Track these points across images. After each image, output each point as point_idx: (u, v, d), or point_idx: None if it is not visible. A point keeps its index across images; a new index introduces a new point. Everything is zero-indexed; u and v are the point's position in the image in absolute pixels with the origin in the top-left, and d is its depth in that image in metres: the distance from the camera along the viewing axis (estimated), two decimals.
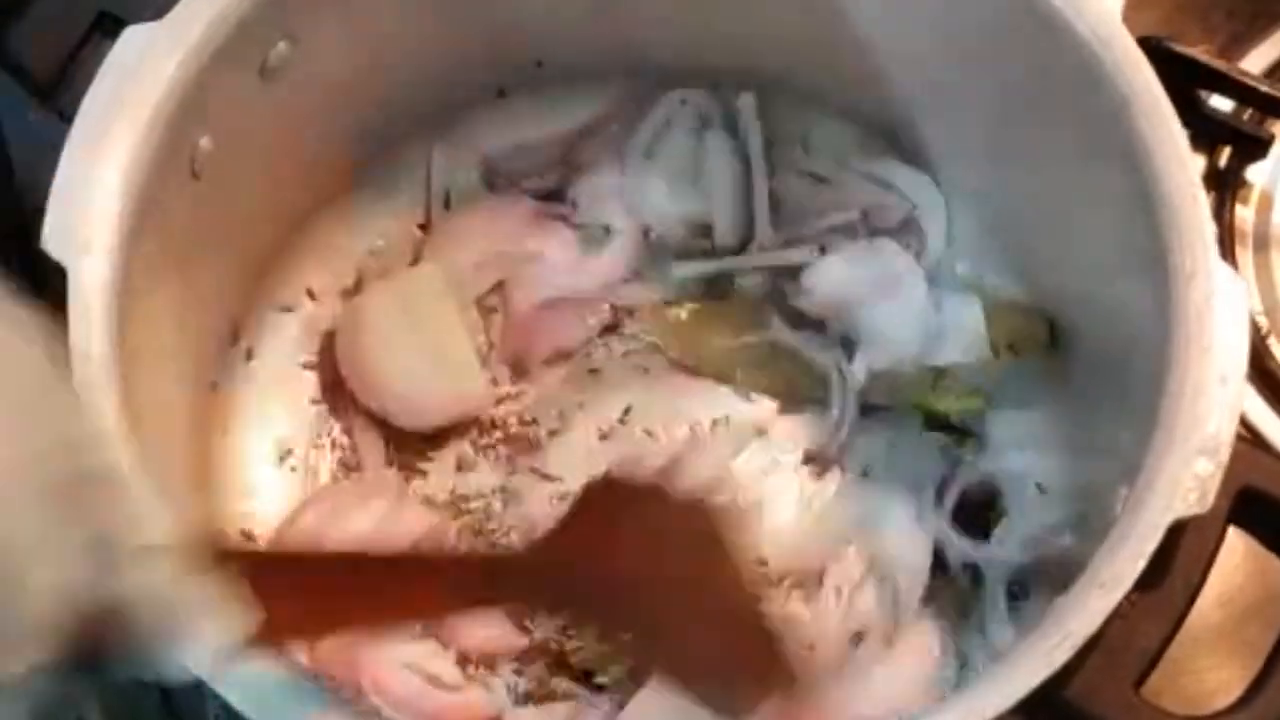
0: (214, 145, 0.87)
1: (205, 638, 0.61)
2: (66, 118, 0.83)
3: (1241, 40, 1.15)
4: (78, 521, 0.56)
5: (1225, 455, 0.78)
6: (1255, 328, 1.06)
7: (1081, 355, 0.97)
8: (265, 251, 1.01)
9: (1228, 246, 1.09)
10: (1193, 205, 0.82)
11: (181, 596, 0.60)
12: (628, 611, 0.81)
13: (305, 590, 0.72)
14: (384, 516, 0.98)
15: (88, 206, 0.80)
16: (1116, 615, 0.76)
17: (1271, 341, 1.07)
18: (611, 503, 0.84)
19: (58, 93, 0.88)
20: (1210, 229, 0.82)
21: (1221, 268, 0.81)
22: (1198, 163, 1.09)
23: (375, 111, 1.01)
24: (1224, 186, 1.11)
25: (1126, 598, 0.76)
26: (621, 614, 0.82)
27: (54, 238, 0.80)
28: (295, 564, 0.79)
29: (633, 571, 0.81)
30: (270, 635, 0.65)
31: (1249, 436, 1.03)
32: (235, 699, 0.72)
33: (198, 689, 0.69)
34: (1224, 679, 0.93)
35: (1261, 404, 1.05)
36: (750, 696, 0.84)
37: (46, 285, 0.79)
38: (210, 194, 0.88)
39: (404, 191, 1.06)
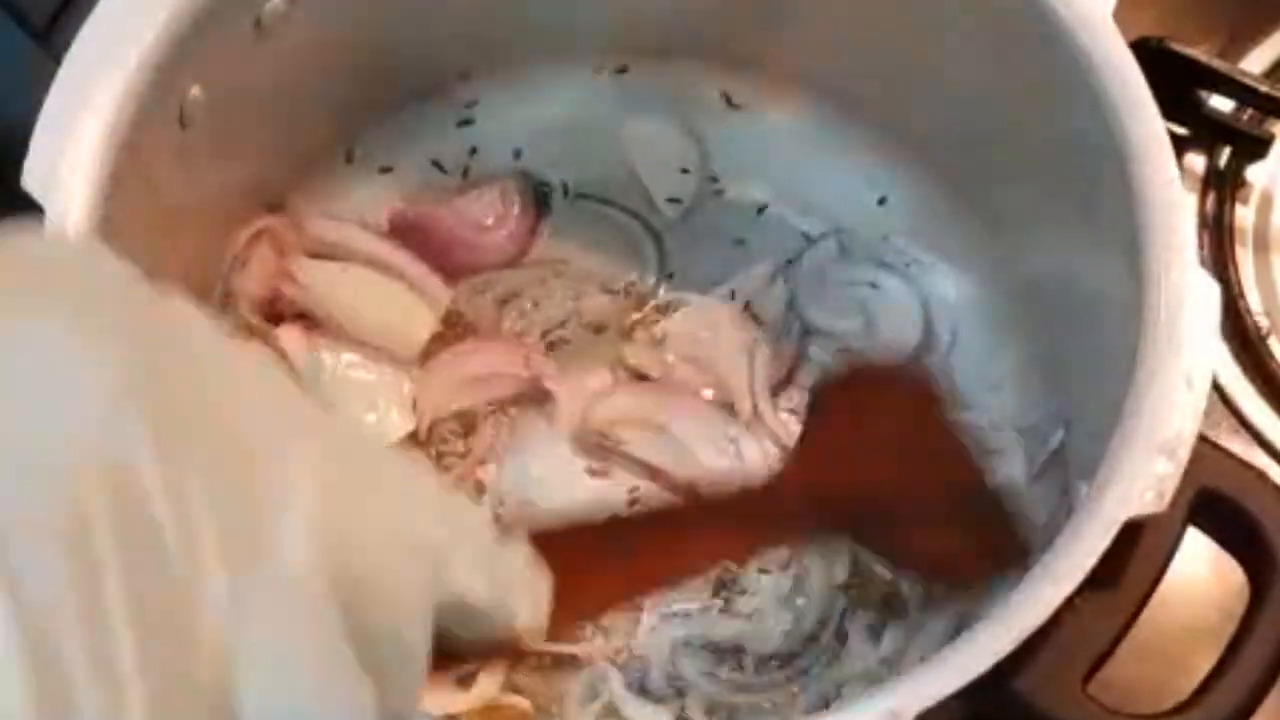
0: (204, 95, 0.87)
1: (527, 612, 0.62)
2: (59, 60, 0.83)
3: (1241, 40, 1.14)
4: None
5: (1185, 455, 0.78)
6: (1255, 328, 1.06)
7: (1056, 350, 0.97)
8: (253, 208, 1.01)
9: (1228, 246, 1.08)
10: (1171, 205, 0.82)
11: (514, 577, 0.62)
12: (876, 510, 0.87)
13: (582, 557, 0.73)
14: None
15: (70, 148, 0.80)
16: (1069, 611, 0.76)
17: (1271, 341, 1.06)
18: (846, 397, 0.89)
19: (53, 35, 0.88)
20: (1189, 230, 0.82)
21: (1197, 270, 0.82)
22: (1198, 162, 1.10)
23: (373, 74, 1.01)
24: (1224, 186, 1.10)
25: (1080, 594, 0.76)
26: (870, 515, 0.87)
27: (34, 176, 0.80)
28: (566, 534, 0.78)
29: (879, 460, 0.87)
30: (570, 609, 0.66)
31: (1248, 436, 1.03)
32: None
33: None
34: (1178, 678, 0.92)
35: (1262, 404, 1.05)
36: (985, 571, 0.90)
37: None
38: (198, 144, 0.88)
39: (401, 158, 1.06)
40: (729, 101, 1.08)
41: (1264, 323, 1.07)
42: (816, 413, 0.93)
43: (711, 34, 1.04)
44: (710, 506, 0.90)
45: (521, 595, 0.62)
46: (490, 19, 1.01)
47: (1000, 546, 0.91)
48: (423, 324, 1.02)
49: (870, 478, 0.88)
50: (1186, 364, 0.80)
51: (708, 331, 1.04)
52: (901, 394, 0.94)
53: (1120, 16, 0.86)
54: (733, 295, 1.05)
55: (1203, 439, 0.80)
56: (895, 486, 0.88)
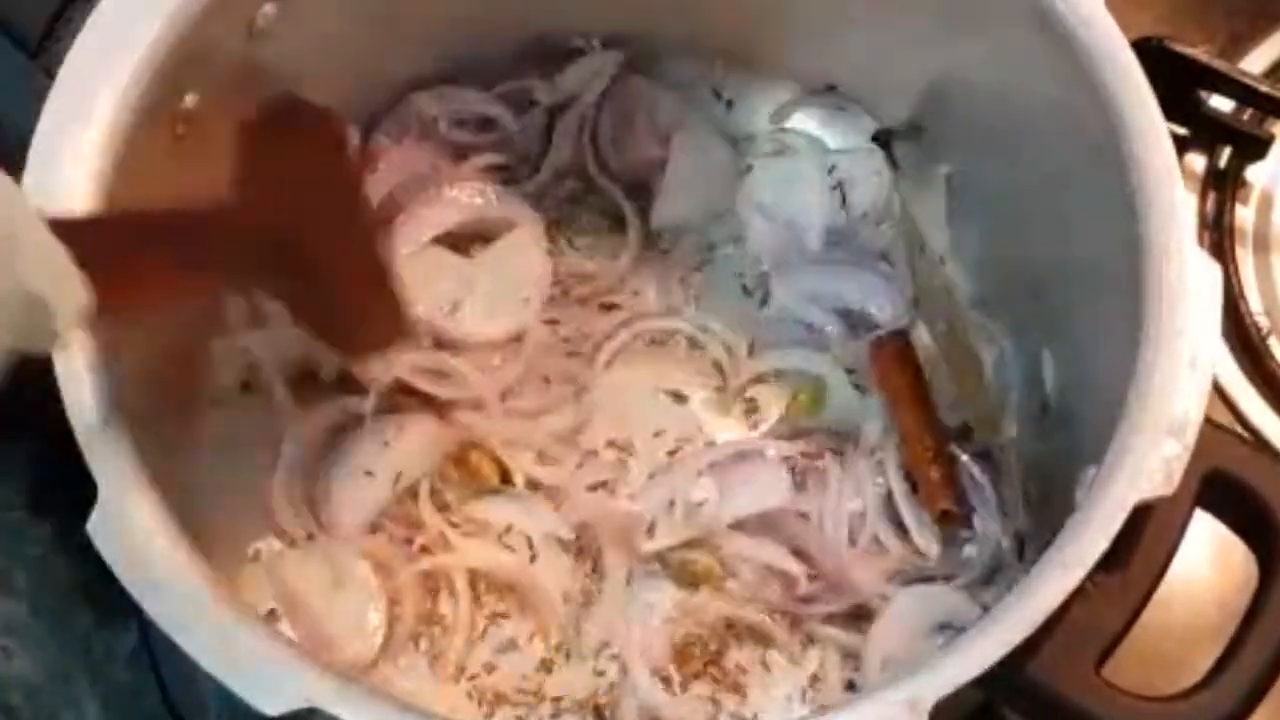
0: (200, 105, 0.87)
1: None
2: (54, 75, 0.83)
3: (1241, 40, 1.15)
4: None
5: (1192, 437, 0.78)
6: (1255, 328, 1.06)
7: (1058, 336, 0.96)
8: None
9: (1228, 246, 1.09)
10: (1170, 188, 0.82)
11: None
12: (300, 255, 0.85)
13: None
14: None
15: (67, 162, 0.81)
16: (1080, 595, 0.76)
17: (1271, 341, 1.06)
18: (265, 139, 0.85)
19: (46, 49, 0.88)
20: (1187, 212, 0.82)
21: (1197, 252, 0.81)
22: (1198, 162, 1.11)
23: (361, 73, 1.01)
24: (1224, 186, 1.11)
25: (1090, 578, 0.76)
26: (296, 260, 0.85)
27: (34, 196, 0.79)
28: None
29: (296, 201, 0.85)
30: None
31: (1250, 439, 1.03)
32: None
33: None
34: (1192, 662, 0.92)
35: (1261, 404, 1.05)
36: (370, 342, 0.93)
37: None
38: (194, 152, 0.88)
39: (389, 156, 1.06)
40: (719, 97, 1.08)
41: (1264, 323, 1.07)
42: (241, 154, 0.87)
43: (704, 31, 1.05)
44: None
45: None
46: (477, 17, 1.02)
47: (392, 319, 0.93)
48: None
49: (289, 220, 0.85)
50: (1189, 345, 0.79)
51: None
52: (312, 139, 0.90)
53: (1120, 17, 0.86)
54: None
55: (1213, 423, 0.80)
56: (311, 230, 0.87)
